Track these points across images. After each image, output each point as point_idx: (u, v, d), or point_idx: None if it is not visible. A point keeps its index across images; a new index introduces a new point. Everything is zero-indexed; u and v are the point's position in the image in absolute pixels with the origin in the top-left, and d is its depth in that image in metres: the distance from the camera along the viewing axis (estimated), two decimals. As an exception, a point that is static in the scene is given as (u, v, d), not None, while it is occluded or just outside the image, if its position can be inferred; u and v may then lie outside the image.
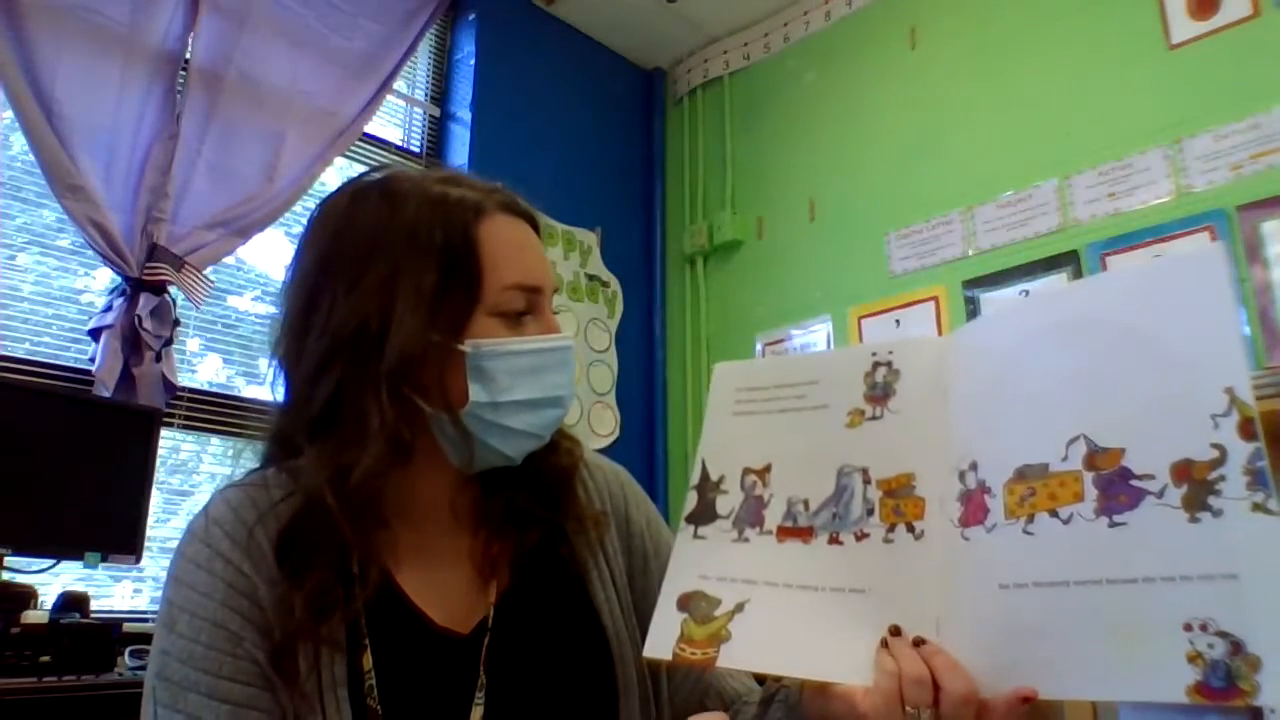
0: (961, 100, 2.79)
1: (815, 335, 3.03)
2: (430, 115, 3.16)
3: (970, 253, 2.68)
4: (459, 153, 3.07)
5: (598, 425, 3.21)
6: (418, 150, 3.12)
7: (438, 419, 0.72)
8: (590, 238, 3.35)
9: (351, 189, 0.77)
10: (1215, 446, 0.54)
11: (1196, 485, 0.54)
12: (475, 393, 0.71)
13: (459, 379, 0.71)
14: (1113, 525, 0.56)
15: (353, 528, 0.68)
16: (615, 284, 3.42)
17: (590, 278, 3.33)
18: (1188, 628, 0.52)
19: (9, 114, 2.13)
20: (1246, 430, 0.53)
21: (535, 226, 0.80)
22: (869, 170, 3.00)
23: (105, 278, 2.28)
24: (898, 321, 2.79)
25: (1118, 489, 0.57)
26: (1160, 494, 0.55)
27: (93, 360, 2.14)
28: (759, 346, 3.19)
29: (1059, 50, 2.59)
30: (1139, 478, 0.56)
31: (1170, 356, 0.57)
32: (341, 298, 0.72)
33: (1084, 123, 2.50)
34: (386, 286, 0.70)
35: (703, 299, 3.43)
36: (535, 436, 0.76)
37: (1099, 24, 2.51)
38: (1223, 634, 0.51)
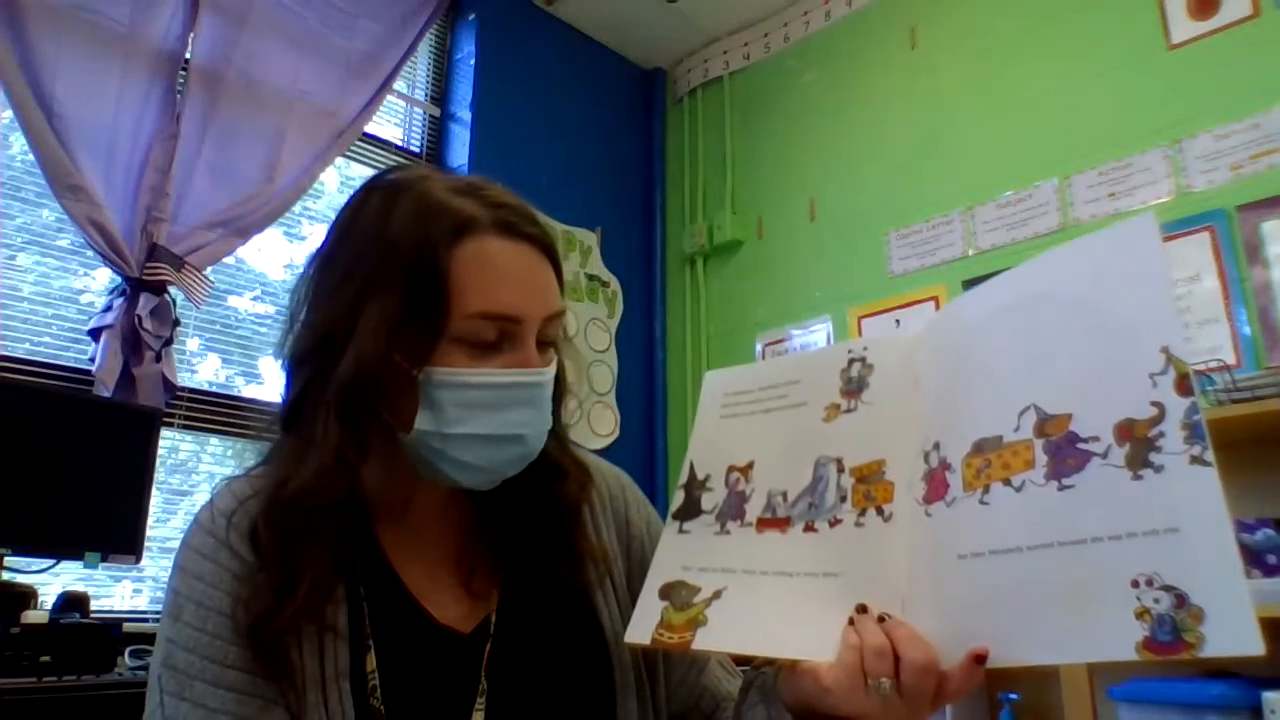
0: (961, 100, 2.79)
1: (815, 335, 3.03)
2: (430, 115, 3.16)
3: (970, 253, 2.68)
4: (459, 153, 3.07)
5: (598, 425, 3.21)
6: (418, 150, 3.12)
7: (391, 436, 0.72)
8: (590, 238, 3.35)
9: (367, 186, 0.77)
10: (1154, 404, 0.55)
11: (1138, 443, 0.55)
12: (422, 420, 0.70)
13: (411, 404, 0.70)
14: (1061, 489, 0.58)
15: (292, 537, 0.68)
16: (615, 284, 3.42)
17: (590, 278, 3.33)
18: (1135, 584, 0.52)
19: (9, 114, 2.13)
20: (1182, 386, 0.54)
21: (547, 250, 0.75)
22: (869, 170, 3.00)
23: (105, 278, 2.28)
24: (898, 321, 2.79)
25: (1066, 453, 0.58)
26: (1105, 454, 0.56)
27: (93, 360, 2.14)
28: (759, 346, 3.19)
29: (1059, 50, 2.59)
30: (1085, 440, 0.57)
31: (1110, 322, 0.59)
32: (324, 299, 0.73)
33: (1084, 123, 2.50)
34: (358, 299, 0.70)
35: (703, 299, 3.43)
36: (492, 471, 0.73)
37: (1099, 24, 2.51)
38: (1167, 588, 0.51)
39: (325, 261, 0.75)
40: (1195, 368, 1.92)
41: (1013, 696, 2.09)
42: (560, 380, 0.79)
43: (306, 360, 0.72)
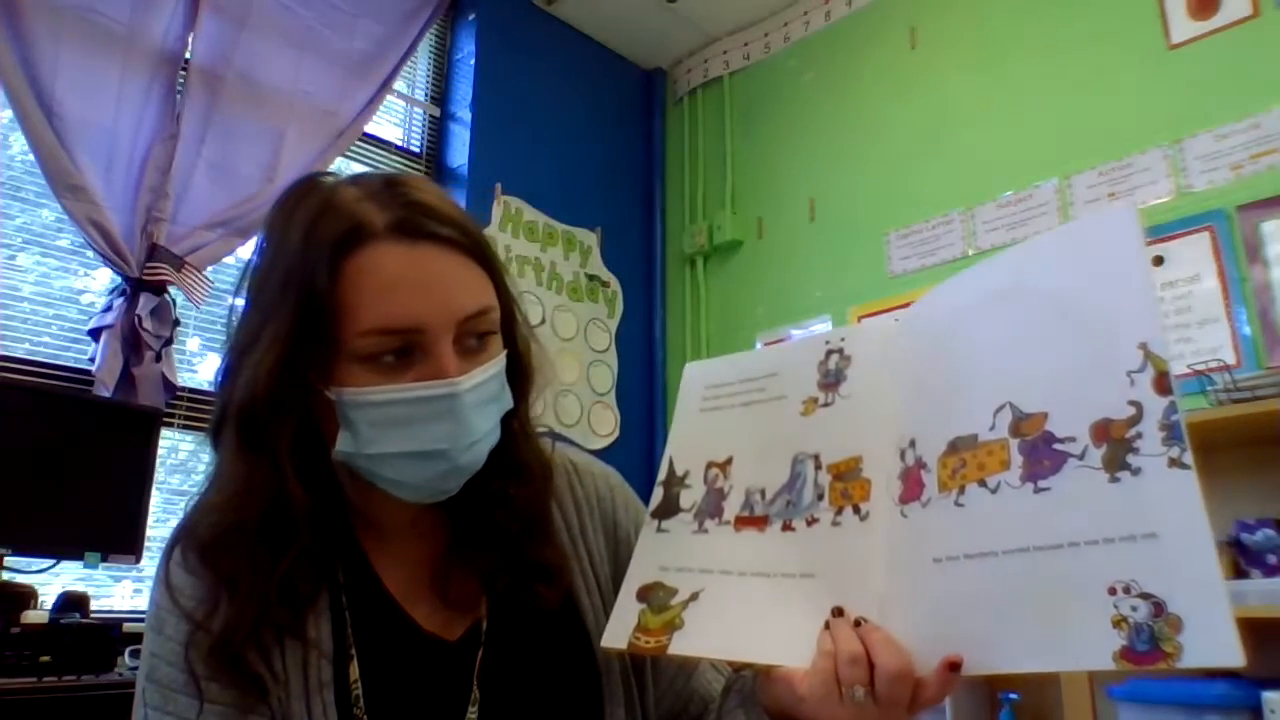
0: (961, 100, 2.79)
1: (804, 337, 3.02)
2: (430, 115, 3.16)
3: (970, 253, 2.68)
4: (459, 153, 3.07)
5: (598, 425, 3.21)
6: (418, 150, 3.12)
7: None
8: (590, 238, 3.35)
9: (284, 190, 0.74)
10: (1132, 404, 0.53)
11: (1116, 444, 0.53)
12: (343, 441, 0.67)
13: (334, 423, 0.67)
14: (1037, 491, 0.56)
15: (209, 564, 0.67)
16: (615, 284, 3.42)
17: (590, 278, 3.33)
18: (1112, 591, 0.51)
19: (9, 114, 2.13)
20: (1160, 385, 0.52)
21: (462, 246, 0.68)
22: (869, 170, 3.00)
23: (105, 278, 2.28)
24: (897, 321, 2.79)
25: (1041, 454, 0.56)
26: (1081, 456, 0.54)
27: (93, 360, 2.14)
28: (759, 346, 3.18)
29: (1059, 50, 2.59)
30: (1061, 441, 0.56)
31: (1087, 317, 0.57)
32: (243, 314, 0.71)
33: (1084, 123, 2.50)
34: (263, 318, 0.67)
35: (703, 299, 3.43)
36: (427, 488, 0.70)
37: (1099, 24, 2.51)
38: (1145, 595, 0.50)
39: (247, 273, 0.73)
40: (1195, 368, 1.93)
41: (1013, 696, 2.09)
42: (520, 371, 0.75)
43: (223, 381, 0.71)
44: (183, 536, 0.70)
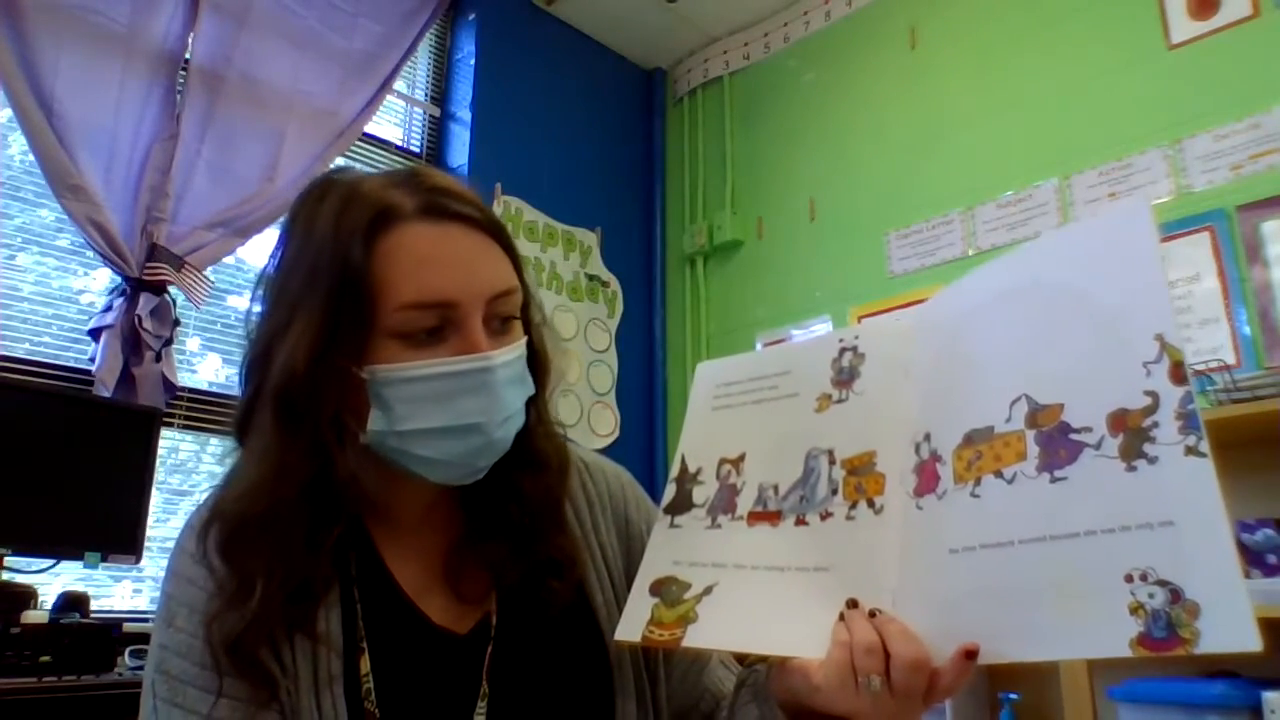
0: (961, 100, 2.79)
1: (815, 335, 3.02)
2: (430, 115, 3.16)
3: (970, 253, 2.68)
4: (459, 153, 3.07)
5: (598, 425, 3.21)
6: (418, 150, 3.12)
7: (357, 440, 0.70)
8: (590, 238, 3.35)
9: (303, 188, 0.75)
10: (1148, 393, 0.54)
11: (1132, 434, 0.54)
12: (375, 420, 0.68)
13: (365, 404, 0.68)
14: (1054, 481, 0.56)
15: (237, 553, 0.67)
16: (615, 284, 3.42)
17: (590, 278, 3.33)
18: (1129, 579, 0.51)
19: (9, 114, 2.13)
20: (1176, 374, 0.53)
21: (486, 227, 0.71)
22: (869, 170, 3.00)
23: (105, 278, 2.28)
24: (900, 320, 2.79)
25: (1058, 444, 0.57)
26: (1098, 445, 0.55)
27: (93, 360, 2.14)
28: (759, 347, 3.18)
29: (1059, 50, 2.59)
30: (1077, 431, 0.56)
31: (1103, 309, 0.57)
32: (265, 308, 0.72)
33: (1084, 123, 2.50)
34: (292, 305, 0.68)
35: (703, 299, 3.43)
36: (461, 465, 0.70)
37: (1099, 24, 2.51)
38: (1162, 582, 0.50)
39: (270, 268, 0.74)
40: (1195, 368, 1.93)
41: (1013, 696, 2.09)
42: (539, 360, 0.76)
43: (252, 372, 0.71)
44: (201, 529, 0.70)
